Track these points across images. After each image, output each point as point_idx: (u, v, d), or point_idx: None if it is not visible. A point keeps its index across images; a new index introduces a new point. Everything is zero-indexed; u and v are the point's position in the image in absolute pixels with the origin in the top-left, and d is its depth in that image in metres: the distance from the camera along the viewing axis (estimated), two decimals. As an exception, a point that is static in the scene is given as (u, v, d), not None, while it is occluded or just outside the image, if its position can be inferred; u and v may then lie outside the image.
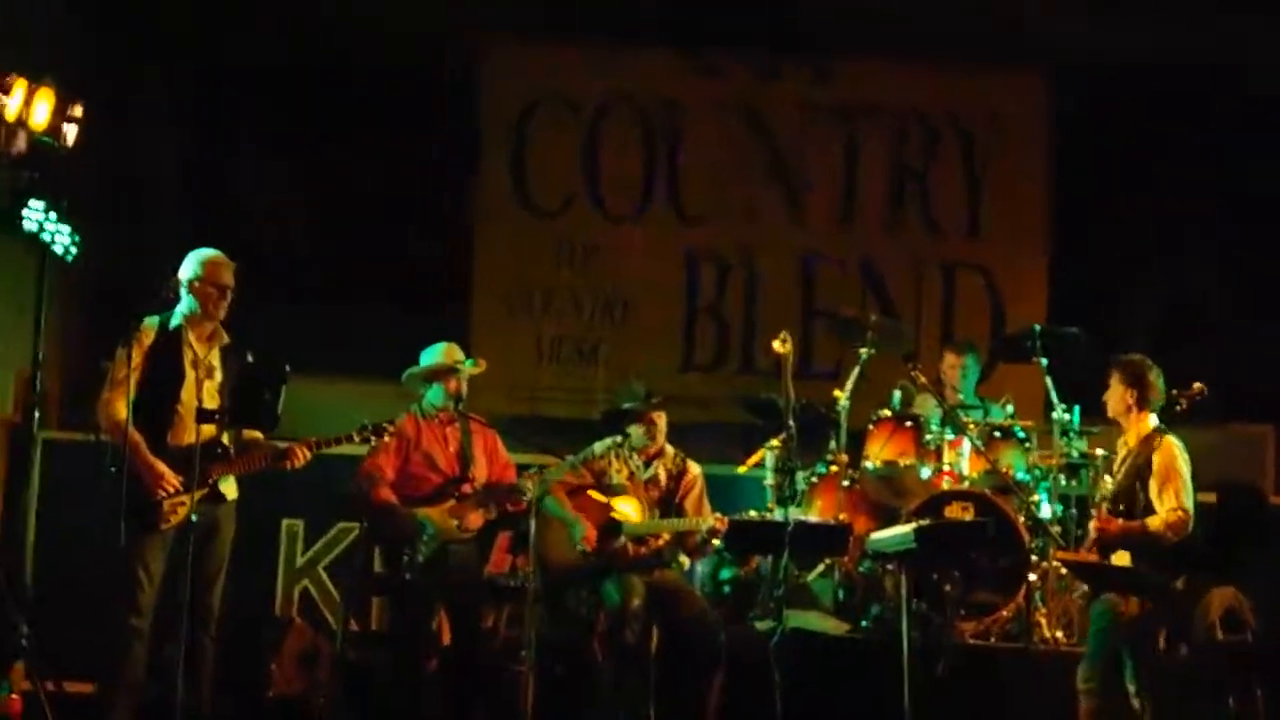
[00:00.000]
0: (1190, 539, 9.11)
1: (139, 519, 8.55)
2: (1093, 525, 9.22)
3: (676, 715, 9.67)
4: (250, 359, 8.91)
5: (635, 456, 10.10)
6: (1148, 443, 9.20)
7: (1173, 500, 8.99)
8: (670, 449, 10.19)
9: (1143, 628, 9.18)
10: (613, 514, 9.95)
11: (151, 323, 8.81)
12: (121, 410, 8.56)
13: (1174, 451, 9.14)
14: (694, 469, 10.20)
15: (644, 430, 10.09)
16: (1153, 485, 9.08)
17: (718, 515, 9.92)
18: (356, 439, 9.27)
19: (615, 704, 9.67)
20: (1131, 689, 9.09)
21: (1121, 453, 9.37)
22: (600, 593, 9.81)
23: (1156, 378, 9.30)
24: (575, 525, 9.90)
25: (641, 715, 9.69)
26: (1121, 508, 9.14)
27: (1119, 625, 9.13)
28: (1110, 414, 9.48)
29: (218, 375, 8.85)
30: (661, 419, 10.15)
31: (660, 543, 9.95)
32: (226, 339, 8.93)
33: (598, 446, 10.10)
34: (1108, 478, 9.41)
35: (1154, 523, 8.99)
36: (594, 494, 10.00)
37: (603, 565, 9.85)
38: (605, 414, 10.35)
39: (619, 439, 10.09)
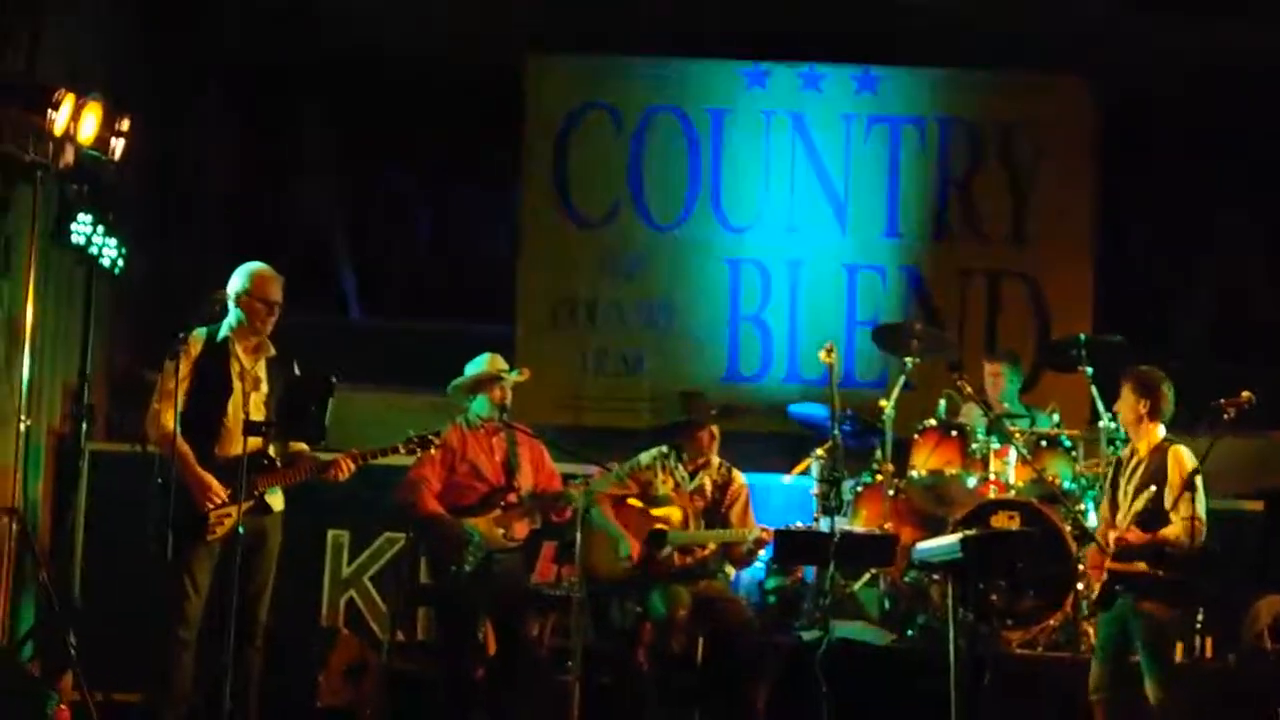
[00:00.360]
0: (1205, 547, 9.12)
1: (186, 531, 8.58)
2: (1112, 536, 9.20)
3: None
4: (297, 371, 8.94)
5: (681, 467, 10.09)
6: (1159, 453, 9.22)
7: (1187, 509, 8.98)
8: (716, 459, 10.16)
9: (1164, 633, 9.21)
10: (658, 524, 9.93)
11: (199, 335, 8.82)
12: (169, 423, 8.58)
13: (1186, 461, 9.15)
14: (739, 479, 10.18)
15: (698, 446, 10.08)
16: (1167, 495, 9.09)
17: (763, 527, 9.89)
18: (403, 451, 9.27)
19: (661, 714, 9.65)
20: (1153, 696, 9.09)
21: (1131, 463, 9.38)
22: (646, 603, 9.81)
23: (1169, 389, 9.34)
24: (621, 540, 9.90)
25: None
26: (1135, 518, 9.16)
27: (1132, 633, 9.15)
28: (1121, 424, 9.55)
29: (264, 387, 8.85)
30: (716, 431, 10.13)
31: (706, 553, 9.94)
32: (273, 351, 8.94)
33: (644, 457, 10.10)
34: (1128, 489, 9.40)
35: (1171, 532, 9.00)
36: (636, 502, 9.99)
37: (648, 576, 9.85)
38: (659, 429, 10.33)
39: (665, 449, 10.09)
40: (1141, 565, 9.13)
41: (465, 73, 13.02)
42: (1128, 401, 9.35)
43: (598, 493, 9.88)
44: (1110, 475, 9.62)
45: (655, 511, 9.95)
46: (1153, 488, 9.11)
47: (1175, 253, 13.27)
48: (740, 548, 9.90)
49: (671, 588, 9.73)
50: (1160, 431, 9.29)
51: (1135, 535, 9.13)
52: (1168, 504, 9.05)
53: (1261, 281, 13.19)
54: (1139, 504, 9.15)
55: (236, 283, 8.88)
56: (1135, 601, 9.15)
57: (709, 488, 10.08)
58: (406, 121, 13.16)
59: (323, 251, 13.30)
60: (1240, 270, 13.33)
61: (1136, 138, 13.10)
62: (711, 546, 9.94)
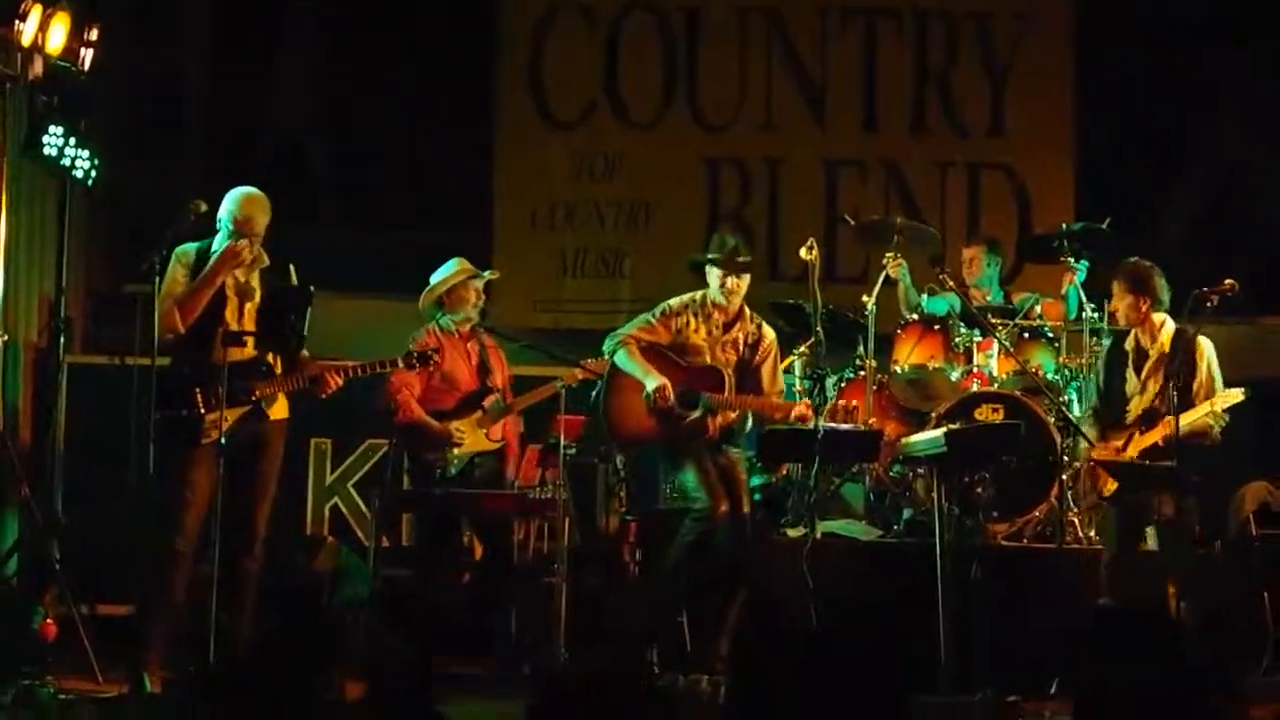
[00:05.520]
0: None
1: (180, 436, 8.53)
2: (1160, 433, 9.32)
3: (707, 624, 9.63)
4: (294, 279, 8.86)
5: (715, 315, 9.77)
6: (1184, 344, 9.33)
7: (1220, 403, 9.26)
8: (748, 312, 9.86)
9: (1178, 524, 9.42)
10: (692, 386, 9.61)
11: (188, 250, 8.76)
12: (178, 322, 8.56)
13: (1209, 352, 9.38)
14: (770, 336, 9.87)
15: (722, 288, 9.69)
16: (1196, 386, 9.32)
17: (806, 402, 9.74)
18: (402, 366, 9.27)
19: (649, 612, 9.64)
20: None
21: (1150, 354, 9.43)
22: (681, 483, 9.63)
23: (1160, 275, 9.52)
24: (649, 378, 9.51)
25: (674, 624, 9.70)
26: (1161, 410, 9.34)
27: (1144, 526, 9.41)
28: (1124, 323, 9.67)
29: (258, 298, 8.81)
30: (742, 284, 9.75)
31: (734, 417, 9.75)
32: (267, 261, 8.88)
33: (674, 301, 9.77)
34: (1148, 382, 9.46)
35: (1203, 425, 9.23)
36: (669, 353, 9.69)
37: (675, 436, 9.58)
38: (691, 263, 10.10)
39: (698, 296, 9.78)
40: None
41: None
42: (1126, 301, 9.52)
43: (625, 335, 9.70)
44: (1107, 362, 9.71)
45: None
46: (1177, 378, 9.29)
47: (1157, 142, 13.16)
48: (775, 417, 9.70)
49: (709, 478, 9.48)
50: (1169, 321, 9.39)
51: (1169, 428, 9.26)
52: (1199, 397, 9.28)
53: (1247, 168, 13.08)
54: (1160, 395, 9.28)
55: (226, 206, 8.81)
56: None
57: (740, 343, 9.81)
58: (383, 30, 13.03)
59: (298, 159, 13.19)
60: (1225, 161, 13.23)
61: (1114, 26, 12.98)
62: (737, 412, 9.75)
